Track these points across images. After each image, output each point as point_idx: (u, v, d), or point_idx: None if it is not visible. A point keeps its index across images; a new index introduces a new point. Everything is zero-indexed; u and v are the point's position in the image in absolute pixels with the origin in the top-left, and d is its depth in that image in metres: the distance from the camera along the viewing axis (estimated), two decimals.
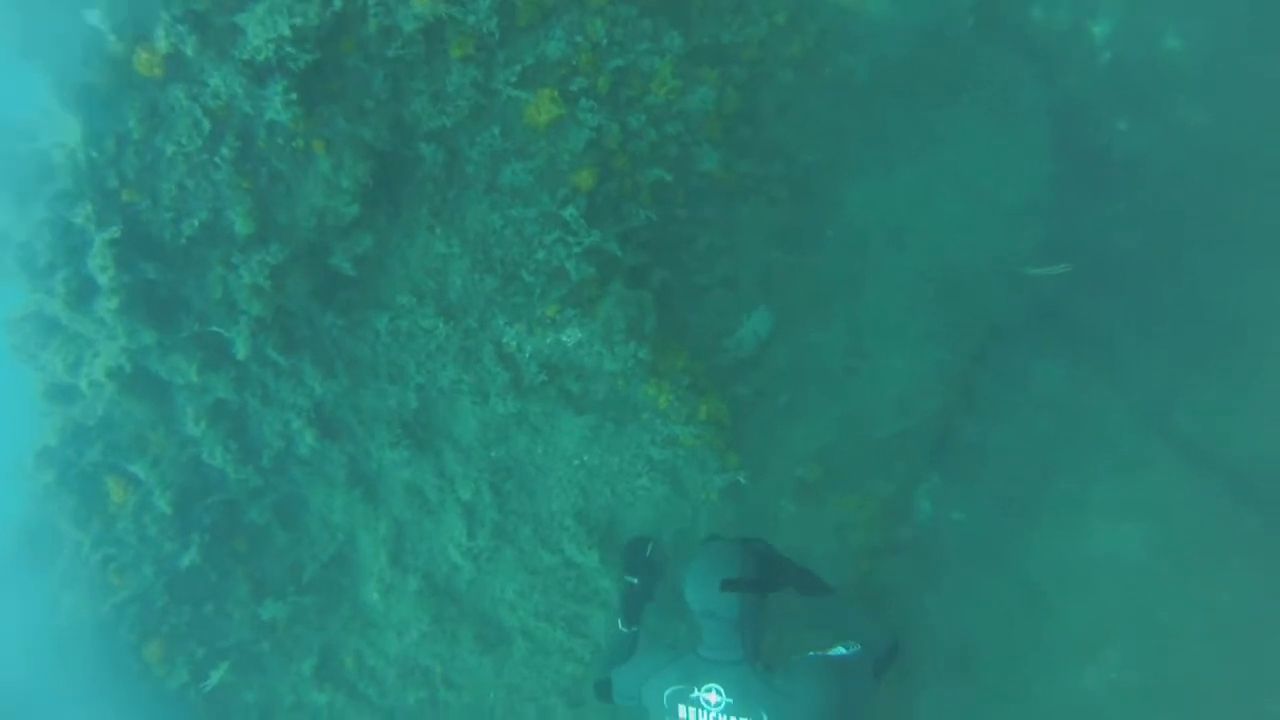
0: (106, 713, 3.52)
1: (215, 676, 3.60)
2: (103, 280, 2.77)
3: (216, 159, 2.79)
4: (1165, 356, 5.06)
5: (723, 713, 2.94)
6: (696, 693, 2.98)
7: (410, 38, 2.83)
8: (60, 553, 3.67)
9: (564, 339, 3.48)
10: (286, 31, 2.53)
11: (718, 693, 2.96)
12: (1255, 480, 4.86)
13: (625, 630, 3.52)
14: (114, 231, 2.68)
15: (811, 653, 3.06)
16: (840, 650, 3.07)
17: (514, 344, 3.45)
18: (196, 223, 2.86)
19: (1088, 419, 5.00)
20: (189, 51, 2.66)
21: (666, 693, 3.04)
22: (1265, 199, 4.82)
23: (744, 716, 2.91)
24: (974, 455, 5.08)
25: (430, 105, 2.99)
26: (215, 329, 3.13)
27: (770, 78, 3.98)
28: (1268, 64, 4.70)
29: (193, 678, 3.68)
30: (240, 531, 3.81)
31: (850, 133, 4.46)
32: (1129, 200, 5.14)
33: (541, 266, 3.34)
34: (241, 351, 3.07)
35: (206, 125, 2.73)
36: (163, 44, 2.63)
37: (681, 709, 3.00)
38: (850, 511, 4.21)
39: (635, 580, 3.50)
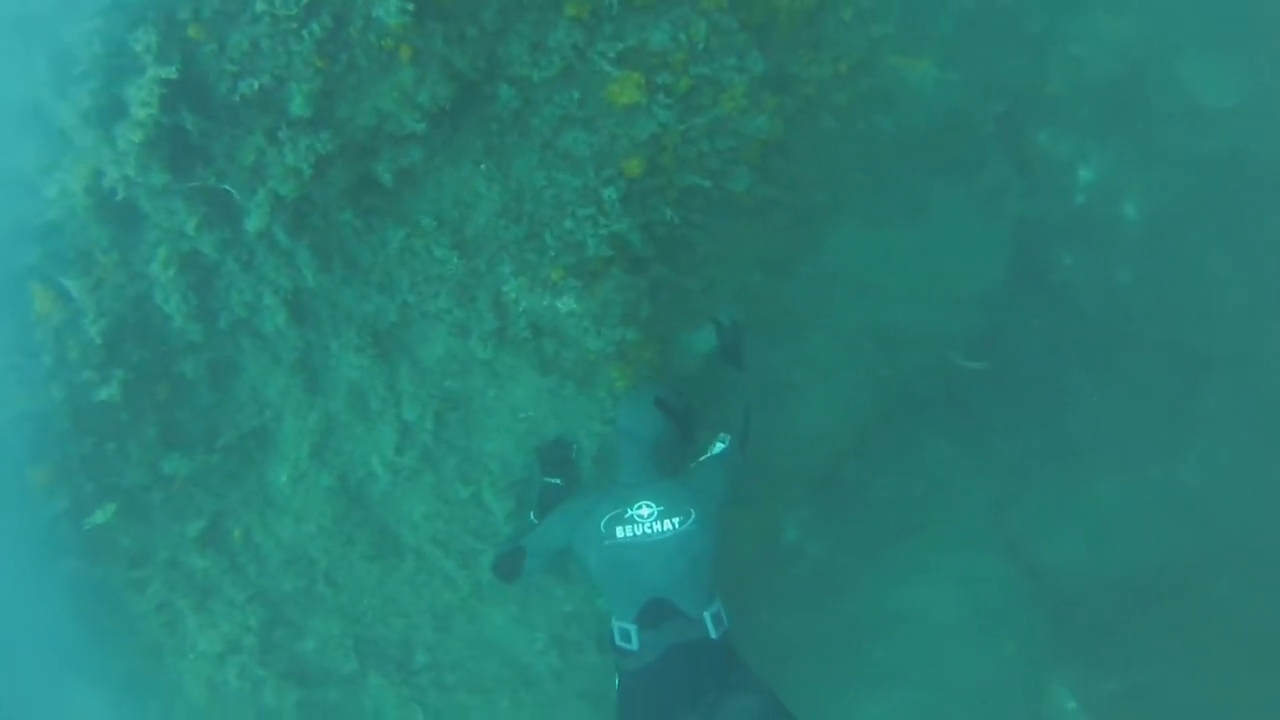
0: None
1: (100, 515, 3.48)
2: (138, 114, 2.59)
3: (304, 31, 2.64)
4: (1020, 460, 5.70)
5: (657, 519, 3.30)
6: (630, 511, 3.32)
7: None
8: None
9: (559, 305, 3.55)
10: None
11: (649, 506, 3.32)
12: (1048, 580, 5.62)
13: (535, 521, 3.70)
14: (170, 71, 2.50)
15: (701, 457, 3.57)
16: (719, 445, 3.59)
17: (512, 295, 3.48)
18: (256, 85, 2.70)
19: (951, 496, 5.59)
20: None
21: (603, 521, 3.34)
22: (1145, 353, 5.46)
23: (676, 516, 3.31)
24: (847, 498, 5.55)
25: (526, 53, 2.94)
26: (229, 189, 2.97)
27: (814, 118, 4.12)
28: (1197, 242, 5.29)
29: (73, 510, 3.53)
30: (165, 379, 3.66)
31: (855, 183, 4.67)
32: (1048, 320, 5.67)
33: (566, 234, 3.38)
34: (255, 224, 2.95)
35: None
36: None
37: (619, 529, 3.32)
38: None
39: (558, 481, 3.74)
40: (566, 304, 3.52)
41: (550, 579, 4.14)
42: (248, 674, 3.87)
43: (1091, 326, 5.55)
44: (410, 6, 2.55)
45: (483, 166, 3.17)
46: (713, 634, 3.32)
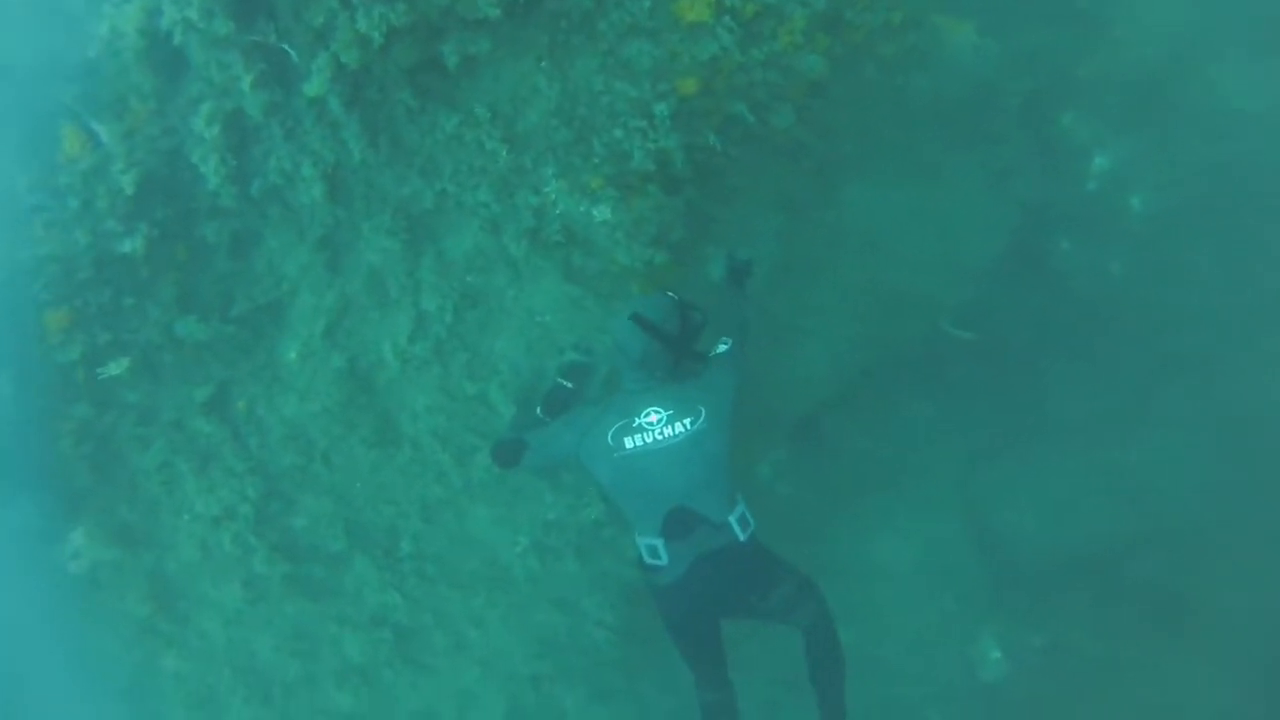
0: None
1: (114, 368, 3.48)
2: None
3: None
4: (992, 430, 5.94)
5: (666, 424, 3.22)
6: (638, 420, 3.24)
7: None
8: None
9: (594, 213, 3.58)
10: None
11: (657, 412, 3.23)
12: (996, 544, 5.93)
13: (541, 416, 3.66)
14: None
15: (709, 354, 3.44)
16: (723, 346, 3.46)
17: (552, 196, 3.50)
18: None
19: (923, 456, 5.82)
20: None
21: (610, 433, 3.24)
22: (1123, 345, 5.70)
23: (686, 417, 3.22)
24: (822, 447, 5.74)
25: None
26: (288, 49, 2.93)
27: (859, 65, 4.16)
28: (1191, 243, 5.48)
29: (86, 359, 3.51)
30: (187, 240, 3.62)
31: (882, 140, 4.74)
32: (1038, 300, 5.86)
33: (614, 143, 3.40)
34: (313, 89, 2.93)
35: None
36: None
37: (628, 439, 3.24)
38: None
39: (569, 384, 3.70)
40: (602, 213, 3.55)
41: (541, 484, 4.24)
42: (241, 541, 3.91)
43: (1077, 313, 5.77)
44: None
45: (544, 64, 3.17)
46: (740, 537, 3.24)
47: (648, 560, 3.31)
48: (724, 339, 3.50)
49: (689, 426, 3.22)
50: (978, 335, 5.46)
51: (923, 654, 5.78)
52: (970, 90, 4.81)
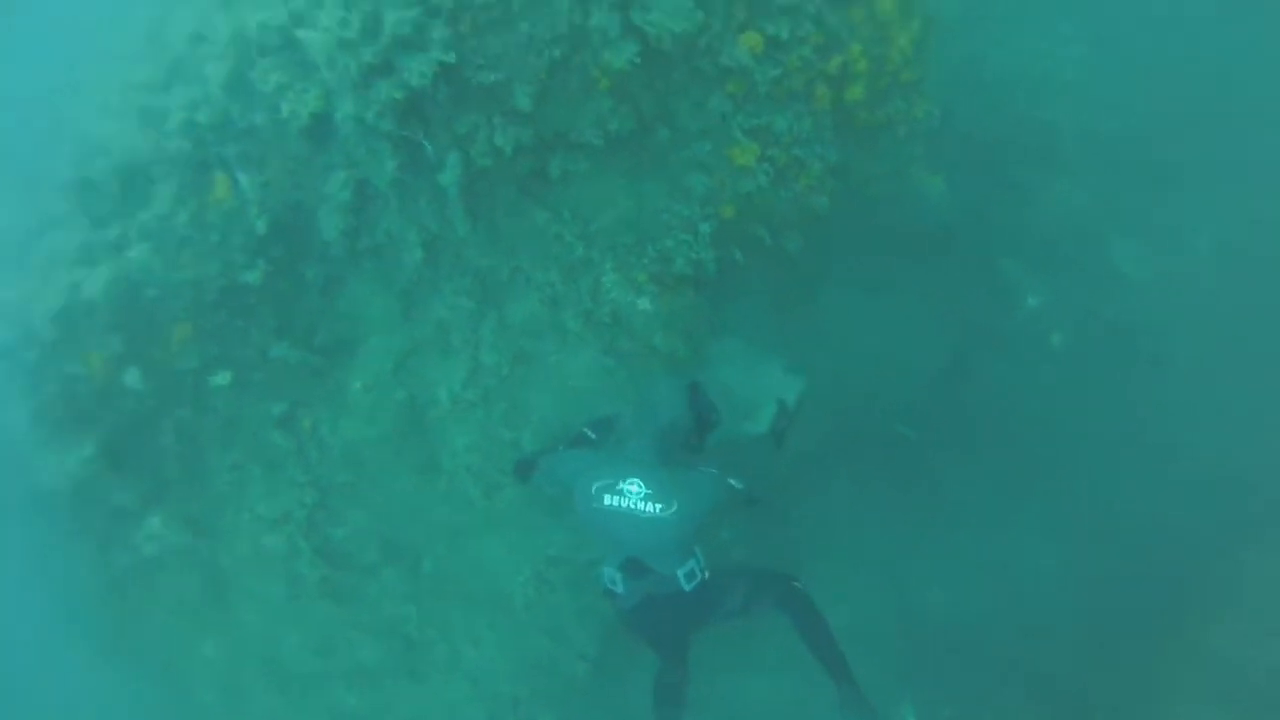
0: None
1: (220, 379, 4.06)
2: (412, 80, 3.30)
3: (545, 51, 3.41)
4: (921, 517, 6.80)
5: (641, 500, 3.59)
6: (620, 485, 3.63)
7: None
8: (146, 207, 3.91)
9: (639, 304, 4.37)
10: None
11: (638, 485, 3.61)
12: (918, 617, 6.70)
13: (562, 450, 4.13)
14: (450, 57, 3.25)
15: (713, 470, 3.84)
16: (732, 481, 3.84)
17: (608, 286, 4.28)
18: (492, 79, 3.44)
19: (859, 535, 6.63)
20: None
21: (594, 486, 3.67)
22: (1023, 459, 6.64)
23: (659, 503, 3.58)
24: (775, 517, 6.50)
25: (689, 109, 3.79)
26: (425, 144, 3.68)
27: (852, 202, 5.08)
28: (1090, 387, 6.52)
29: (198, 369, 4.09)
30: (290, 277, 4.27)
31: (860, 260, 5.68)
32: (966, 408, 6.81)
33: (664, 250, 4.22)
34: (446, 180, 3.66)
35: None
36: None
37: (606, 497, 3.64)
38: None
39: (592, 435, 4.17)
40: (645, 304, 4.34)
41: (547, 520, 4.89)
42: (291, 543, 4.46)
43: (998, 426, 6.74)
44: (639, 60, 3.36)
45: (623, 183, 3.98)
46: (685, 588, 3.68)
47: (607, 585, 3.82)
48: (737, 477, 3.90)
49: (658, 511, 3.60)
50: (916, 433, 6.38)
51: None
52: (934, 228, 5.83)
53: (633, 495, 3.63)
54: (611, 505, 3.65)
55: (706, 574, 3.78)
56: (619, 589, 3.82)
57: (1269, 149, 6.20)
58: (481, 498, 4.78)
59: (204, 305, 4.00)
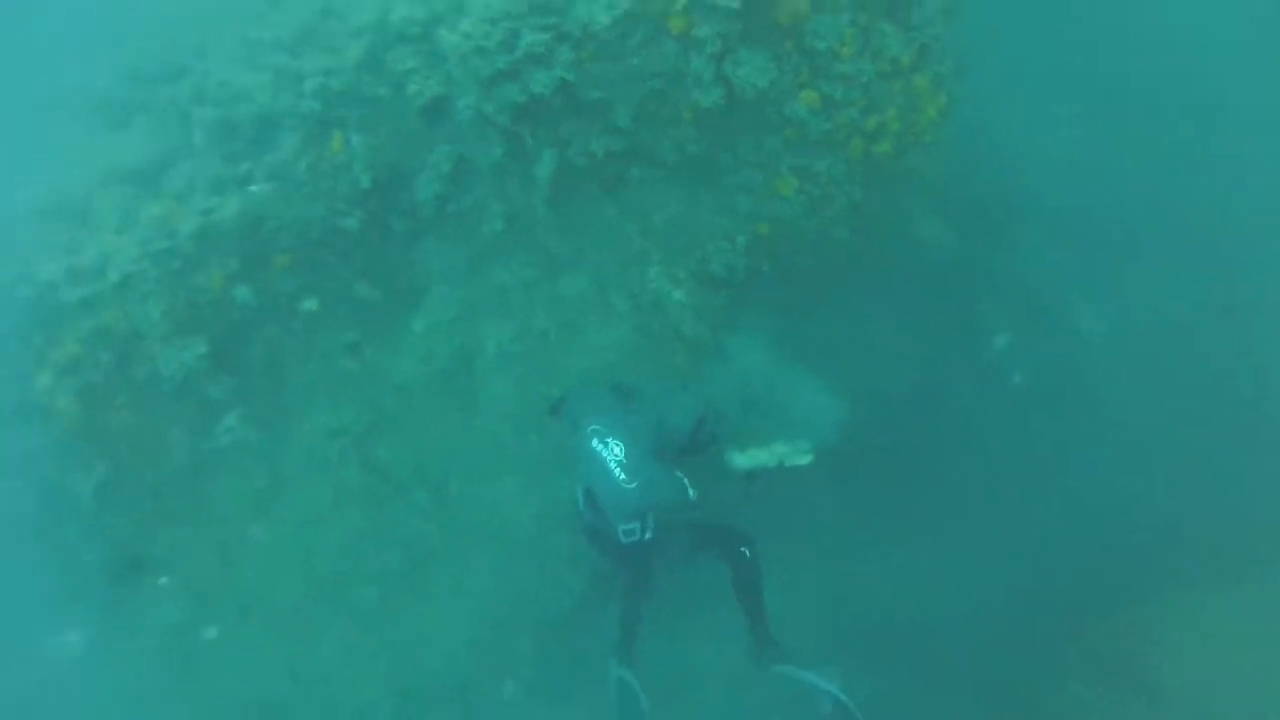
0: None
1: (310, 304, 4.72)
2: (535, 88, 4.02)
3: (649, 82, 4.10)
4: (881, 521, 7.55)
5: (615, 463, 3.99)
6: (610, 439, 4.07)
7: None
8: (272, 151, 4.53)
9: (675, 295, 5.09)
10: None
11: (621, 449, 4.03)
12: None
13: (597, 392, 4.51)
14: (570, 74, 3.92)
15: (681, 475, 4.08)
16: (690, 491, 4.07)
17: (652, 276, 5.00)
18: (596, 96, 4.13)
19: (826, 537, 7.40)
20: None
21: (592, 426, 4.14)
22: (972, 472, 7.46)
23: (626, 474, 3.94)
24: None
25: (750, 145, 4.52)
26: (527, 138, 4.36)
27: (865, 237, 5.85)
28: (1041, 431, 7.36)
29: (291, 294, 4.74)
30: (378, 227, 4.92)
31: (862, 284, 6.42)
32: (932, 427, 7.62)
33: (705, 254, 4.95)
34: (542, 171, 4.35)
35: None
36: None
37: (595, 440, 4.09)
38: None
39: (622, 390, 4.52)
40: (680, 296, 5.07)
41: (560, 473, 5.58)
42: (343, 454, 5.13)
43: (957, 448, 7.56)
44: (724, 101, 4.07)
45: (683, 194, 4.69)
46: (623, 540, 4.06)
47: (578, 502, 4.25)
48: (695, 490, 4.11)
49: (621, 480, 3.99)
50: (890, 442, 7.18)
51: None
52: (928, 266, 6.61)
53: (612, 454, 4.06)
54: (594, 449, 4.09)
55: (649, 535, 4.14)
56: (582, 507, 4.29)
57: (1218, 235, 7.14)
58: (511, 439, 5.46)
59: (308, 241, 4.64)
